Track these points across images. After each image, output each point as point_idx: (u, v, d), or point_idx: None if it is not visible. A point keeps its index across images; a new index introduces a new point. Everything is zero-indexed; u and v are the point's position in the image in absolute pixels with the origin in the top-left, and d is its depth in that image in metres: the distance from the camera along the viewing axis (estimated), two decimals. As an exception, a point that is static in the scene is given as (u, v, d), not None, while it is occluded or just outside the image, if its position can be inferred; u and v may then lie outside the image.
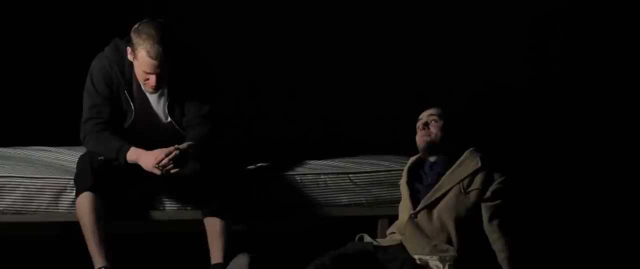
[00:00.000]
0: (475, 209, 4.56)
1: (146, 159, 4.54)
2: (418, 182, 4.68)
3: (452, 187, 4.58)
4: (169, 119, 4.72)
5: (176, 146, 4.54)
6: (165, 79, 4.59)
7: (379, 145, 5.45)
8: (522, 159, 6.17)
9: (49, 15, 6.15)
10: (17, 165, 4.89)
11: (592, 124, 6.23)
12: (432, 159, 4.70)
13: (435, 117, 4.69)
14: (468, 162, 4.62)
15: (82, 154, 4.71)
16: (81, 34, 6.05)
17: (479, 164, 4.59)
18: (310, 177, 4.93)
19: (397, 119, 6.14)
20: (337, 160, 5.09)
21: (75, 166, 4.69)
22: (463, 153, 4.65)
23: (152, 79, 4.55)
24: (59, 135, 5.34)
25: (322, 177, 4.95)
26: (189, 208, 4.77)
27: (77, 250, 4.70)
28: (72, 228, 4.61)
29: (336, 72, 6.21)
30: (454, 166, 4.61)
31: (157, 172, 4.53)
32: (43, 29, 6.17)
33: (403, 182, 4.71)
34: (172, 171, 4.52)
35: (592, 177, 6.12)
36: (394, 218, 4.79)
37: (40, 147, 5.26)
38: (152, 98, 4.72)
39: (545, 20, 6.27)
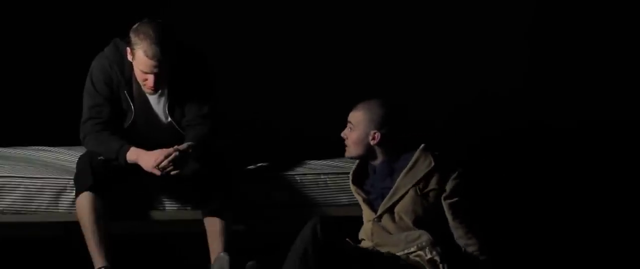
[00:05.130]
0: (436, 208, 4.50)
1: (146, 159, 4.54)
2: (370, 185, 4.64)
3: (408, 190, 4.52)
4: (169, 119, 4.72)
5: (176, 147, 4.54)
6: (164, 80, 4.59)
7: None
8: (518, 157, 6.17)
9: (49, 15, 6.15)
10: (17, 165, 4.89)
11: (590, 122, 6.23)
12: (372, 162, 4.63)
13: (349, 123, 4.60)
14: (421, 162, 4.53)
15: (82, 154, 4.71)
16: (81, 34, 6.04)
17: (432, 164, 4.52)
18: (310, 177, 4.93)
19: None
20: (337, 160, 5.09)
21: (75, 166, 4.69)
22: (404, 149, 4.56)
23: (150, 79, 4.55)
24: (59, 135, 5.34)
25: (322, 177, 4.95)
26: (189, 208, 4.77)
27: (77, 250, 4.70)
28: (72, 228, 4.61)
29: (336, 72, 6.21)
30: (407, 168, 4.52)
31: (157, 172, 4.53)
32: (43, 29, 6.16)
33: (353, 189, 4.67)
34: (172, 172, 4.52)
35: (590, 175, 6.12)
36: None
37: (40, 147, 5.26)
38: (152, 98, 4.72)
39: (542, 19, 6.27)
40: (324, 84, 6.22)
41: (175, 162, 4.51)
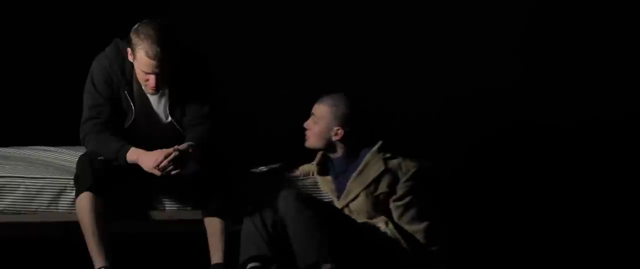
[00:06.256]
0: (389, 208, 4.54)
1: (146, 160, 4.54)
2: (334, 176, 4.66)
3: (359, 193, 4.55)
4: (170, 119, 4.72)
5: (175, 147, 4.54)
6: (165, 80, 4.59)
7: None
8: (515, 156, 6.18)
9: (50, 15, 6.15)
10: (17, 165, 4.89)
11: (587, 120, 6.24)
12: (332, 155, 4.65)
13: (313, 115, 4.63)
14: (371, 165, 4.55)
15: (82, 154, 4.71)
16: (81, 34, 6.04)
17: (382, 168, 4.53)
18: (312, 178, 4.92)
19: (397, 118, 6.15)
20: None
21: (75, 166, 4.68)
22: (365, 144, 4.58)
23: (152, 79, 4.55)
24: (59, 135, 5.33)
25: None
26: (189, 208, 4.77)
27: (77, 250, 4.69)
28: (72, 228, 4.60)
29: (337, 72, 6.21)
30: (357, 171, 4.55)
31: (157, 173, 4.53)
32: (43, 29, 6.16)
33: (320, 180, 4.69)
34: (172, 172, 4.52)
35: (589, 175, 6.12)
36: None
37: (40, 147, 5.26)
38: (153, 98, 4.71)
39: (539, 17, 6.27)
40: (323, 84, 6.20)
41: (175, 162, 4.51)
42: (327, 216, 4.40)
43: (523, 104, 6.24)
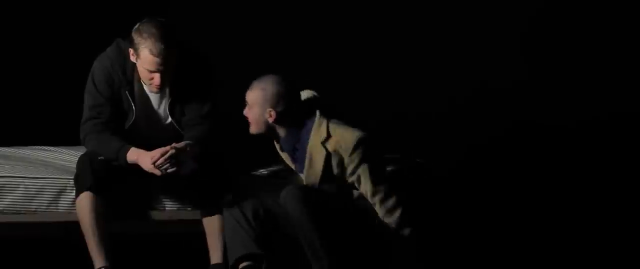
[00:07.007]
0: (347, 186, 4.55)
1: (145, 159, 4.54)
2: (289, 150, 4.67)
3: (318, 178, 4.54)
4: (170, 120, 4.71)
5: (173, 145, 4.54)
6: (168, 78, 4.59)
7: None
8: (516, 155, 6.18)
9: (50, 15, 6.15)
10: (17, 165, 4.89)
11: (588, 120, 6.24)
12: (280, 136, 4.61)
13: (247, 102, 4.61)
14: (315, 154, 4.54)
15: (82, 154, 4.71)
16: (82, 34, 6.05)
17: (324, 153, 4.51)
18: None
19: (397, 118, 6.15)
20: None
21: (75, 166, 4.68)
22: (304, 117, 4.57)
23: (157, 77, 4.55)
24: (59, 135, 5.34)
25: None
26: (189, 208, 4.77)
27: (77, 250, 4.69)
28: (72, 228, 4.60)
29: (337, 71, 6.21)
30: (306, 165, 4.55)
31: (157, 172, 4.53)
32: (43, 29, 6.17)
33: (284, 157, 4.70)
34: (169, 170, 4.52)
35: (588, 174, 6.13)
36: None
37: (40, 147, 5.26)
38: (154, 98, 4.71)
39: (541, 17, 6.27)
40: (323, 83, 6.21)
41: (171, 160, 4.50)
42: (331, 210, 4.42)
43: (523, 104, 6.24)
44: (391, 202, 4.49)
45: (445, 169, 5.81)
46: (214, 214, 4.62)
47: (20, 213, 4.71)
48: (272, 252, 4.52)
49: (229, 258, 4.52)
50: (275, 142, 4.73)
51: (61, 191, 4.72)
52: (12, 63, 6.13)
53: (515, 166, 6.17)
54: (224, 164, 4.72)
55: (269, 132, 4.61)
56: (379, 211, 4.50)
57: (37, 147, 5.27)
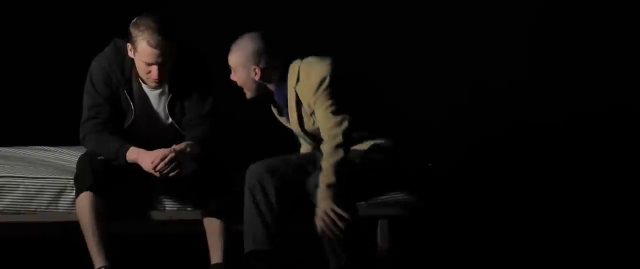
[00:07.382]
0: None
1: (145, 159, 4.54)
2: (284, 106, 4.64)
3: (297, 129, 4.55)
4: (170, 119, 4.72)
5: (174, 147, 4.54)
6: (167, 72, 4.58)
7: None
8: (516, 156, 6.18)
9: (49, 15, 6.16)
10: (17, 165, 4.90)
11: (589, 120, 6.24)
12: (273, 91, 4.59)
13: (232, 68, 4.57)
14: (290, 101, 4.49)
15: (82, 154, 4.71)
16: (81, 34, 6.05)
17: (295, 96, 4.47)
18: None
19: (397, 117, 6.15)
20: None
21: (75, 166, 4.69)
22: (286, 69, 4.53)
23: (154, 70, 4.54)
24: (59, 135, 5.34)
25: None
26: (189, 208, 4.77)
27: (77, 250, 4.70)
28: (72, 228, 4.61)
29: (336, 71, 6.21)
30: (289, 114, 4.52)
31: (157, 174, 4.53)
32: (43, 29, 6.17)
33: (281, 121, 4.69)
34: (170, 174, 4.52)
35: (587, 172, 6.13)
36: (393, 218, 4.79)
37: (40, 147, 5.26)
38: (153, 98, 4.71)
39: (540, 17, 6.28)
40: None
41: (172, 164, 4.50)
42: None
43: (523, 104, 6.24)
44: (339, 139, 4.35)
45: (445, 170, 5.81)
46: (214, 215, 4.62)
47: (20, 213, 4.71)
48: (283, 246, 4.47)
49: (244, 239, 4.49)
50: (272, 108, 4.70)
51: (61, 191, 4.72)
52: (12, 63, 6.13)
53: (515, 166, 6.17)
54: (224, 164, 4.72)
55: (262, 91, 4.57)
56: (324, 147, 4.38)
57: (37, 147, 5.28)
